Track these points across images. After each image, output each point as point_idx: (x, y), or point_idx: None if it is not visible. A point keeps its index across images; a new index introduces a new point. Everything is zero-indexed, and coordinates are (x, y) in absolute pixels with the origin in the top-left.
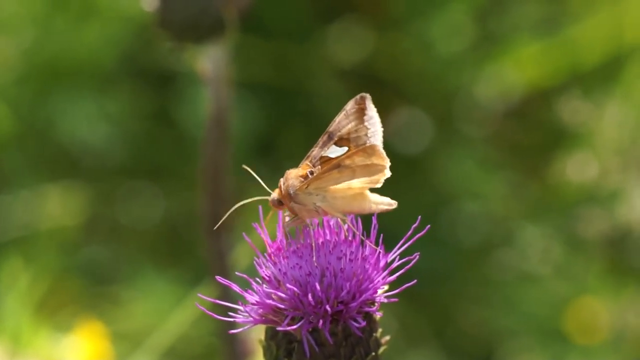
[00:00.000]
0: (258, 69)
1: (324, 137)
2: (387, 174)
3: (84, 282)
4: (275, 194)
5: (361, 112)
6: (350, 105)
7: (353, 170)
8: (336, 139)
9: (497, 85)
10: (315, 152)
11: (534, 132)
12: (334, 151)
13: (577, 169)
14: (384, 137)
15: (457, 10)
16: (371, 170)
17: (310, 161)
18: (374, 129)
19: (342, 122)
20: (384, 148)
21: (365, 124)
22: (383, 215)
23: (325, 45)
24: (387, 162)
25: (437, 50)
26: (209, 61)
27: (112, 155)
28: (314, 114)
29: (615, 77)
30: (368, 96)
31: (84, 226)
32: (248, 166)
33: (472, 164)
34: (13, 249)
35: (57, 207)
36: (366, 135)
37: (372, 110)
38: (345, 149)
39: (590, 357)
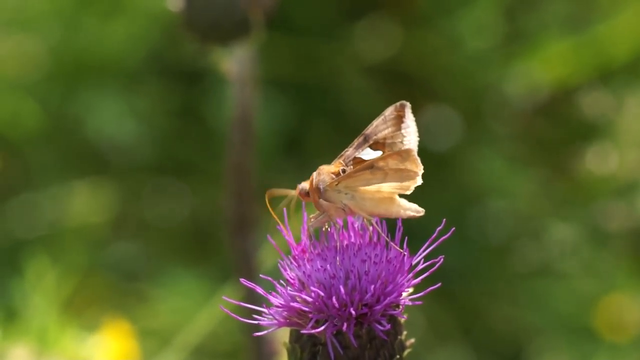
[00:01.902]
0: (286, 67)
1: (360, 139)
2: (419, 181)
3: (112, 280)
4: (305, 185)
5: (399, 119)
6: (389, 111)
7: (385, 173)
8: (371, 142)
9: (525, 83)
10: (349, 152)
11: (562, 129)
12: (368, 154)
13: (601, 162)
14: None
15: (485, 7)
16: (403, 175)
17: (344, 160)
18: (410, 138)
19: (380, 126)
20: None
21: (402, 131)
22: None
23: (352, 42)
24: (421, 169)
25: (465, 47)
26: (235, 62)
27: (139, 153)
28: (341, 111)
29: None
30: (408, 104)
31: (111, 223)
32: (275, 164)
33: (500, 162)
34: (41, 246)
35: (84, 204)
36: (402, 142)
37: (410, 119)
38: (380, 152)
39: (619, 355)
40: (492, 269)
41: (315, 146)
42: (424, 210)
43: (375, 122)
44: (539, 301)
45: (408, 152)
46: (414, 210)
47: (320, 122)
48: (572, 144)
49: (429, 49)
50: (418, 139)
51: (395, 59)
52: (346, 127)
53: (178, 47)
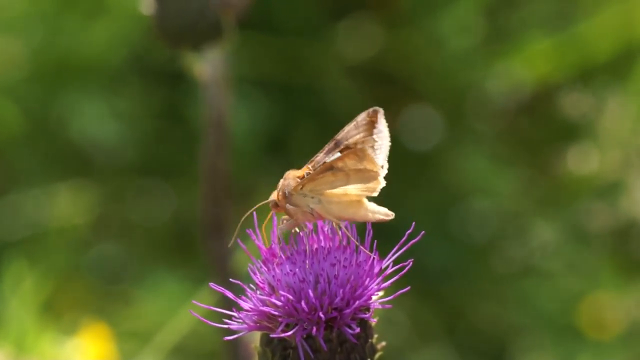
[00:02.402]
0: (269, 67)
1: (331, 144)
2: (382, 182)
3: (94, 281)
4: (274, 195)
5: (371, 124)
6: (361, 117)
7: (347, 174)
8: (342, 147)
9: (507, 82)
10: (319, 157)
11: (544, 128)
12: None
13: (581, 162)
14: (394, 134)
15: (467, 6)
16: (364, 176)
17: (313, 166)
18: (381, 143)
19: (351, 132)
20: (393, 149)
21: (374, 136)
22: (393, 212)
23: (335, 42)
24: (380, 169)
25: (447, 46)
26: (207, 65)
27: (122, 154)
28: (324, 111)
29: (625, 73)
30: (381, 110)
31: (93, 224)
32: (259, 164)
33: (483, 161)
34: (22, 248)
35: (67, 205)
36: (372, 147)
37: (382, 125)
38: None
39: (603, 353)
40: (475, 268)
41: (299, 146)
42: (393, 214)
43: (347, 128)
44: (522, 300)
45: (363, 150)
46: (383, 213)
47: (304, 122)
48: (554, 143)
49: (411, 49)
50: (390, 144)
51: (377, 59)
52: (330, 127)
53: (160, 48)
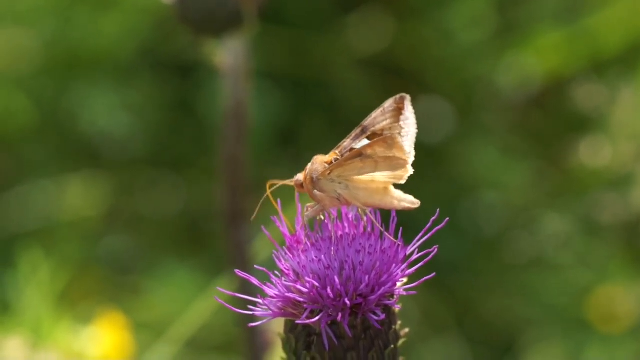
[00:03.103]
0: (279, 60)
1: (357, 130)
2: (410, 170)
3: (106, 272)
4: (300, 176)
5: (398, 111)
6: (388, 103)
7: (375, 161)
8: (369, 133)
9: (517, 74)
10: (346, 143)
11: (555, 121)
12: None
13: (593, 154)
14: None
15: None
16: (393, 163)
17: (340, 151)
18: (408, 130)
19: (378, 118)
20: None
21: (401, 123)
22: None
23: (345, 35)
24: (408, 157)
25: (457, 39)
26: (227, 54)
27: (133, 146)
28: (335, 103)
29: (635, 65)
30: (408, 97)
31: (105, 216)
32: (270, 156)
33: (493, 153)
34: (35, 239)
35: (78, 197)
36: (400, 134)
37: (409, 112)
38: None
39: (612, 346)
40: (485, 260)
41: (309, 138)
42: (419, 202)
43: (374, 114)
44: (532, 292)
45: (392, 138)
46: (409, 201)
47: (314, 115)
48: (565, 135)
49: (421, 41)
50: (417, 131)
51: (388, 52)
52: (340, 119)
53: (171, 40)
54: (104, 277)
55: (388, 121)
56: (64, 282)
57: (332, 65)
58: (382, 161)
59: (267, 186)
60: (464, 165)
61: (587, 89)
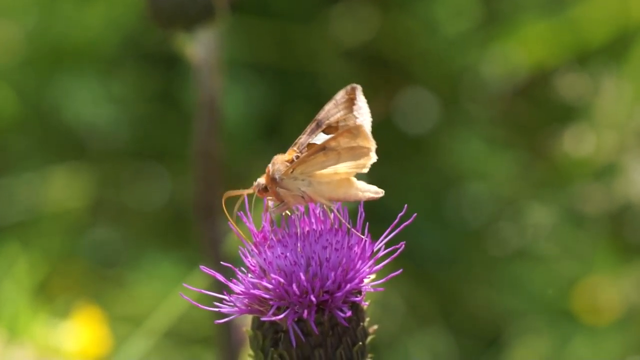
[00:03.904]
0: (263, 51)
1: (312, 125)
2: (373, 157)
3: (89, 265)
4: (261, 180)
5: (351, 102)
6: (340, 95)
7: (338, 153)
8: (324, 127)
9: (502, 65)
10: (302, 139)
11: (540, 111)
12: (321, 139)
13: (577, 144)
14: (389, 117)
15: None
16: (356, 153)
17: (298, 148)
18: (363, 119)
19: (332, 110)
20: (387, 132)
21: (354, 113)
22: (387, 196)
23: (330, 25)
24: (373, 145)
25: (442, 30)
26: (199, 47)
27: (117, 138)
28: (319, 95)
29: (621, 56)
30: (359, 87)
31: (89, 208)
32: (253, 148)
33: (478, 144)
34: (17, 232)
35: (62, 189)
36: (354, 123)
37: (361, 101)
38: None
39: (598, 337)
40: (471, 252)
41: (294, 129)
42: (383, 191)
43: (327, 107)
44: (517, 284)
45: (358, 127)
46: (372, 191)
47: (299, 106)
48: (550, 126)
49: (406, 32)
50: (371, 119)
51: (372, 43)
52: None
53: (154, 32)
54: (88, 270)
55: (342, 112)
56: (43, 275)
57: (317, 56)
58: (345, 152)
59: (223, 200)
60: (449, 157)
61: (571, 79)
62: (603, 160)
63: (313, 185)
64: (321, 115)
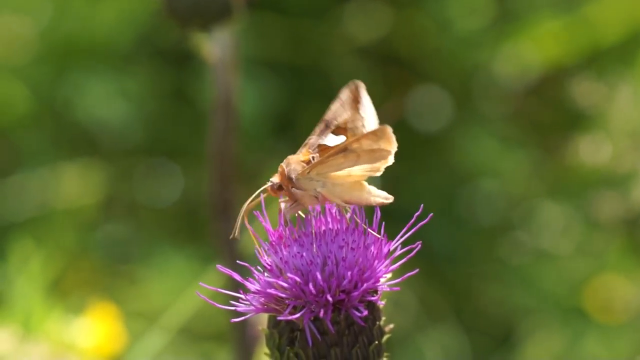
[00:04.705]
0: (277, 48)
1: (321, 126)
2: (391, 161)
3: (102, 261)
4: (275, 179)
5: (356, 101)
6: (345, 94)
7: (358, 155)
8: (333, 128)
9: (515, 64)
10: (312, 139)
11: (553, 110)
12: (332, 140)
13: (591, 151)
14: (403, 115)
15: None
16: (375, 155)
17: (309, 148)
18: (370, 120)
19: (338, 110)
20: (400, 130)
21: (361, 113)
22: (400, 194)
23: (343, 23)
24: (394, 147)
25: (455, 28)
26: (216, 46)
27: (130, 134)
28: (332, 91)
29: (634, 55)
30: (362, 84)
31: (102, 205)
32: (266, 146)
33: (491, 142)
34: (30, 228)
35: (75, 185)
36: (363, 125)
37: (365, 99)
38: (343, 137)
39: (610, 335)
40: (483, 250)
41: (307, 127)
42: (392, 198)
43: (333, 107)
44: (530, 282)
45: (384, 130)
46: (382, 197)
47: (311, 102)
48: (563, 125)
49: (419, 30)
50: (377, 119)
51: (385, 40)
52: None
53: (168, 29)
54: (100, 266)
55: (349, 113)
56: (57, 272)
57: (330, 53)
58: (365, 154)
59: (244, 214)
60: (462, 154)
61: (586, 86)
62: (617, 167)
63: (327, 186)
64: (329, 115)
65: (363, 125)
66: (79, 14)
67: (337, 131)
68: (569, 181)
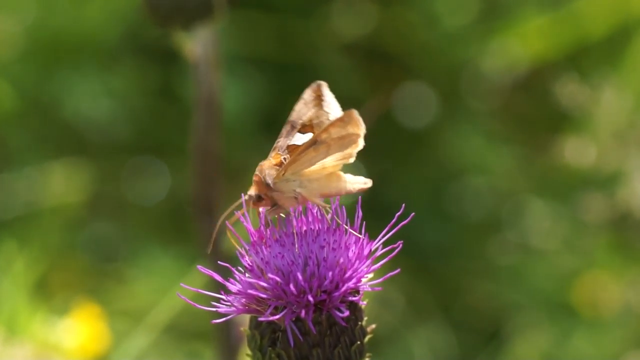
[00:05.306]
0: (263, 45)
1: (287, 127)
2: (361, 144)
3: (88, 260)
4: (252, 191)
5: (319, 99)
6: (307, 94)
7: (328, 145)
8: (299, 127)
9: (503, 59)
10: (281, 142)
11: (540, 106)
12: (299, 139)
13: (577, 152)
14: (389, 111)
15: None
16: (345, 142)
17: (278, 151)
18: (334, 113)
19: (302, 110)
20: (387, 126)
21: (325, 109)
22: (387, 190)
23: (330, 20)
24: (363, 129)
25: (442, 24)
26: (198, 44)
27: (116, 132)
28: None
29: (621, 51)
30: (324, 83)
31: (88, 203)
32: (253, 141)
33: (478, 138)
34: (16, 227)
35: (61, 184)
36: (328, 119)
37: (329, 97)
38: (310, 134)
39: (598, 332)
40: (471, 246)
41: None
42: (371, 181)
43: (297, 107)
44: (518, 278)
45: (350, 114)
46: (361, 182)
47: (298, 100)
48: (550, 122)
49: (406, 26)
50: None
51: (372, 37)
52: None
53: (153, 27)
54: (86, 265)
55: (313, 110)
56: (42, 272)
57: (316, 50)
58: (335, 143)
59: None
60: (450, 150)
61: (572, 86)
62: (604, 168)
63: (304, 184)
64: (293, 116)
65: (328, 119)
66: (64, 11)
67: (304, 129)
68: (555, 179)
